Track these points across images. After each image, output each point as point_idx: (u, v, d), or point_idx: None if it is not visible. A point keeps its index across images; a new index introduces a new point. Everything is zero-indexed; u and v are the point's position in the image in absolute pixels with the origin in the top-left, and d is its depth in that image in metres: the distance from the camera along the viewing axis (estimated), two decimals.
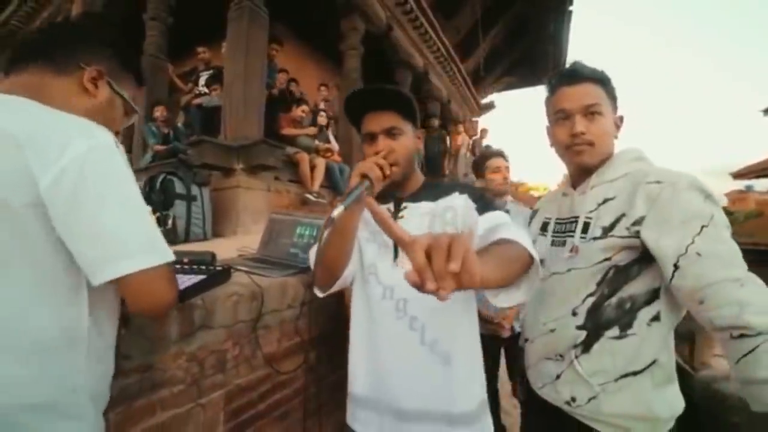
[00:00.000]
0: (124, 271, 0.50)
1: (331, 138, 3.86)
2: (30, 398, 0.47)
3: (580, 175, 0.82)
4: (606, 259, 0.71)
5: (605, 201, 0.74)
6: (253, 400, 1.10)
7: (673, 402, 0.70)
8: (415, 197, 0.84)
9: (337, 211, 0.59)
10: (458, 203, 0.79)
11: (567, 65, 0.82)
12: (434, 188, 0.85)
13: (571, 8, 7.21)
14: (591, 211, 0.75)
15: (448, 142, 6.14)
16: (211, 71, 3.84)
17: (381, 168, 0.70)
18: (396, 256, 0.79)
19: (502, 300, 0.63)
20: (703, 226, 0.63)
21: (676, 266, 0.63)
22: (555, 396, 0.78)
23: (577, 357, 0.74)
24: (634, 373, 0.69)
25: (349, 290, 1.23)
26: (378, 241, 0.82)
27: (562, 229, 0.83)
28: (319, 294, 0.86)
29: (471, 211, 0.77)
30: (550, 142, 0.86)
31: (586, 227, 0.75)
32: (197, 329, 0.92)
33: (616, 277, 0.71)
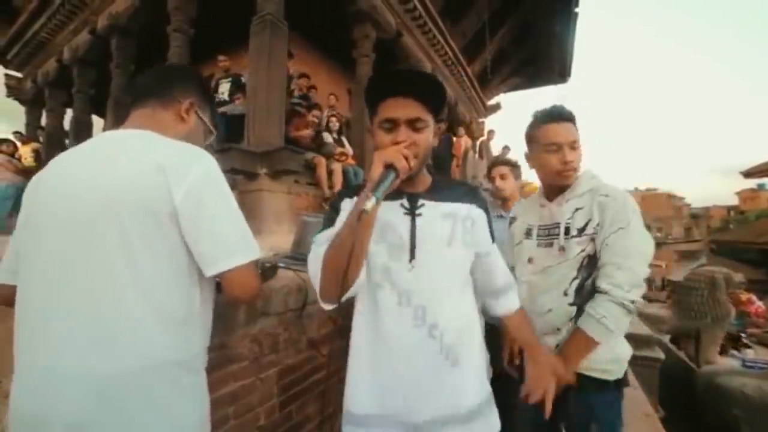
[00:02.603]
0: (232, 265, 0.66)
1: (345, 142, 4.04)
2: (175, 357, 0.64)
3: (556, 191, 1.06)
4: (581, 251, 0.97)
5: (577, 210, 1.00)
6: (298, 379, 1.27)
7: (627, 347, 1.02)
8: (431, 195, 0.78)
9: (370, 203, 0.57)
10: (476, 216, 0.80)
11: (551, 106, 1.03)
12: (448, 188, 0.82)
13: (576, 10, 7.28)
14: (569, 218, 1.00)
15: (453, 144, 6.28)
16: (230, 79, 4.03)
17: (406, 159, 0.65)
18: (413, 256, 0.73)
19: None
20: (620, 228, 0.93)
21: (600, 250, 0.95)
22: None
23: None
24: None
25: None
26: (389, 240, 0.74)
27: (546, 233, 1.05)
28: (327, 307, 0.73)
29: (485, 230, 0.83)
30: (532, 165, 1.08)
31: (567, 230, 1.00)
32: (258, 315, 1.09)
33: (589, 264, 0.97)
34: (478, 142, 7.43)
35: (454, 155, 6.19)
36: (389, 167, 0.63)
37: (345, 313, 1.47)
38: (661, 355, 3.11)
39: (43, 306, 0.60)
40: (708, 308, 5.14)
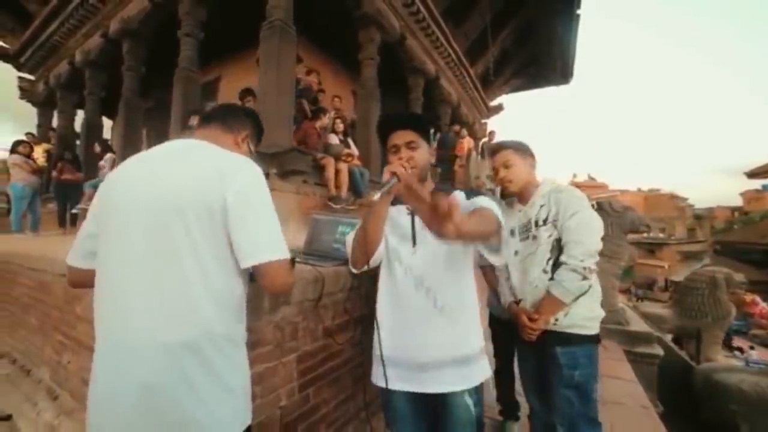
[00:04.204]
0: (273, 258, 0.76)
1: (351, 143, 4.13)
2: (225, 331, 0.74)
3: (521, 197, 1.38)
4: (550, 235, 1.26)
5: (541, 207, 1.30)
6: (315, 365, 1.36)
7: (600, 309, 1.29)
8: None
9: (377, 196, 0.91)
10: (457, 199, 1.04)
11: (493, 144, 1.35)
12: (444, 192, 1.08)
13: (578, 11, 7.35)
14: (536, 214, 1.30)
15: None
16: None
17: (405, 168, 0.96)
18: (414, 243, 1.05)
19: (493, 259, 0.97)
20: (573, 214, 1.22)
21: (561, 232, 1.24)
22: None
23: None
24: (582, 294, 1.22)
25: None
26: (399, 233, 1.08)
27: (524, 230, 1.35)
28: (354, 271, 1.12)
29: (462, 201, 1.03)
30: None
31: (536, 223, 1.30)
32: (281, 304, 1.19)
33: (557, 246, 1.25)
34: (480, 143, 7.50)
35: (457, 156, 6.27)
36: (393, 174, 0.93)
37: (359, 305, 1.57)
38: (660, 352, 3.19)
39: (121, 286, 0.71)
40: (708, 308, 5.19)
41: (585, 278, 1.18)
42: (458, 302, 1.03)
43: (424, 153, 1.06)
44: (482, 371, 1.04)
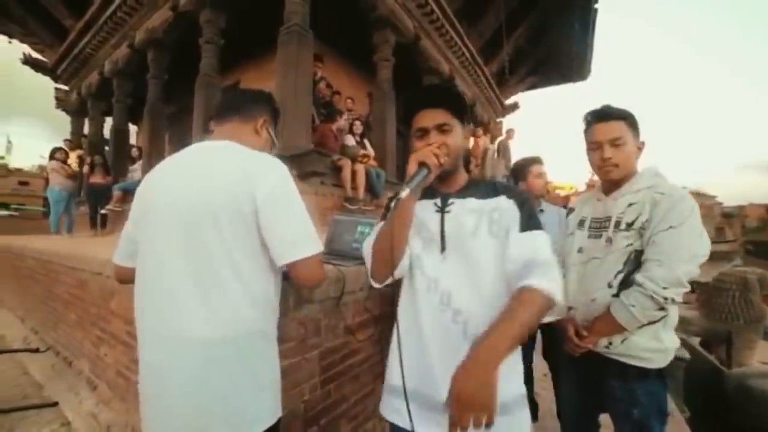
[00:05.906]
0: (304, 255, 0.78)
1: (367, 144, 4.19)
2: (260, 328, 0.79)
3: (610, 186, 1.10)
4: (629, 245, 1.00)
5: (630, 205, 1.02)
6: (336, 361, 1.41)
7: (674, 338, 1.03)
8: (462, 194, 0.87)
9: (404, 192, 0.70)
10: (504, 205, 0.83)
11: (599, 106, 1.07)
12: (481, 187, 0.88)
13: (596, 6, 7.16)
14: (621, 212, 1.03)
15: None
16: None
17: (436, 156, 0.76)
18: (443, 248, 0.82)
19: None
20: (671, 227, 0.94)
21: (646, 245, 0.98)
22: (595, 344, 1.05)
23: None
24: (653, 323, 0.98)
25: None
26: (423, 234, 0.86)
27: (598, 226, 1.10)
28: (376, 285, 0.88)
29: (515, 218, 0.81)
30: (589, 162, 1.12)
31: (617, 224, 1.03)
32: (304, 302, 1.24)
33: (637, 258, 0.99)
34: (496, 142, 7.42)
35: (472, 155, 6.23)
36: (422, 164, 0.75)
37: (379, 303, 1.60)
38: (686, 355, 3.06)
39: (162, 286, 0.75)
40: (740, 310, 4.93)
41: (662, 309, 0.93)
42: None
43: (459, 138, 0.84)
44: (521, 425, 0.79)
